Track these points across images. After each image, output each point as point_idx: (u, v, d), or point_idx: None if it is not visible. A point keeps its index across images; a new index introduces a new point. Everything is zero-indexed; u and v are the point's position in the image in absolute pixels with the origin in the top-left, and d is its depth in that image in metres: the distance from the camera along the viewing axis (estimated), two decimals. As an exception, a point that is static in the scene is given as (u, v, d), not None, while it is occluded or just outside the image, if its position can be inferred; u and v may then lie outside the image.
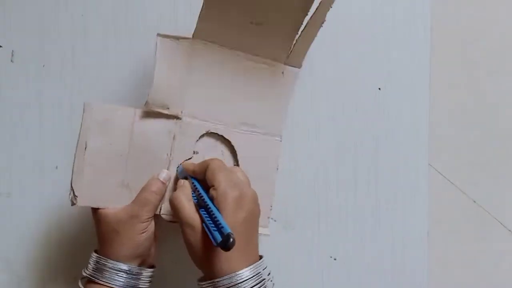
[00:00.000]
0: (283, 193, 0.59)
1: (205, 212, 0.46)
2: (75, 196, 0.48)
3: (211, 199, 0.47)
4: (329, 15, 0.52)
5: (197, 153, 0.53)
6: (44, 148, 0.58)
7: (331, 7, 0.52)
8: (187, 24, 0.58)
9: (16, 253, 0.58)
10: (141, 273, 0.50)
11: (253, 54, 0.54)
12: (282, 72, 0.55)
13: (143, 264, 0.51)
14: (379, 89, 0.59)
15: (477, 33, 0.61)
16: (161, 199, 0.51)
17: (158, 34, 0.50)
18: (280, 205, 0.59)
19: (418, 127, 0.60)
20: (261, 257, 0.48)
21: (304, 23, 0.52)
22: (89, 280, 0.49)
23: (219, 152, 0.54)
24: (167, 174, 0.51)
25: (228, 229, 0.43)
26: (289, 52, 0.54)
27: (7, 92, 0.59)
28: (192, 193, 0.49)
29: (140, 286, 0.50)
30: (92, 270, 0.49)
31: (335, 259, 0.59)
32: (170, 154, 0.52)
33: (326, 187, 0.59)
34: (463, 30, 0.61)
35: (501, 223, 0.61)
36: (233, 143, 0.54)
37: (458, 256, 0.61)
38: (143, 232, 0.49)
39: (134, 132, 0.50)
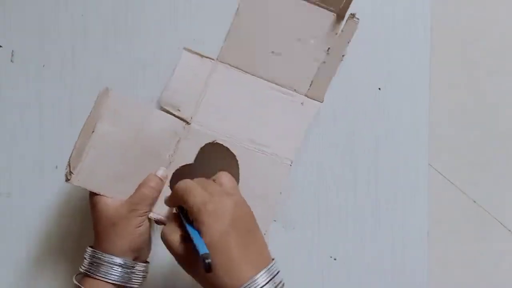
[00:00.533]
0: (284, 193, 0.59)
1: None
2: (70, 172, 0.50)
3: (191, 222, 0.45)
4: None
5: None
6: (44, 148, 0.58)
7: (349, 42, 0.54)
8: (187, 25, 0.58)
9: (16, 253, 0.58)
10: (135, 267, 0.50)
11: (274, 83, 0.55)
12: (302, 103, 0.55)
13: (137, 259, 0.51)
14: (379, 89, 0.60)
15: (477, 33, 0.61)
16: (158, 196, 0.52)
17: (185, 48, 0.55)
18: (280, 205, 0.59)
19: (418, 127, 0.60)
20: (272, 259, 0.45)
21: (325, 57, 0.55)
22: (85, 275, 0.50)
23: (220, 165, 0.53)
24: (164, 171, 0.53)
25: (201, 249, 0.40)
26: (310, 85, 0.55)
27: (7, 92, 0.59)
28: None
29: (134, 280, 0.50)
30: (88, 265, 0.50)
31: (335, 259, 0.59)
32: (172, 156, 0.53)
33: (326, 187, 0.59)
34: (463, 30, 0.61)
35: (501, 223, 0.61)
36: (237, 157, 0.54)
37: (458, 256, 0.61)
38: (139, 226, 0.50)
39: (143, 127, 0.52)
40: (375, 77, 0.59)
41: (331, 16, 0.54)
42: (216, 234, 0.42)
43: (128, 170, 0.51)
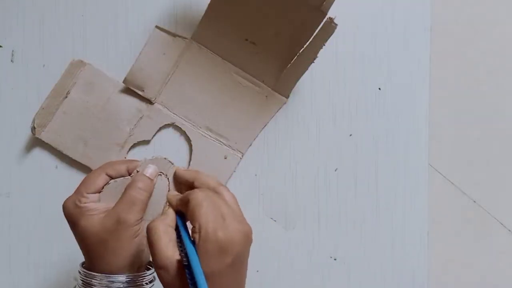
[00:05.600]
0: (283, 193, 0.59)
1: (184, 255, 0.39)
2: (34, 127, 0.56)
3: (193, 242, 0.39)
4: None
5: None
6: (44, 148, 0.58)
7: (324, 45, 0.53)
8: (186, 25, 0.58)
9: (16, 253, 0.58)
10: (141, 278, 0.44)
11: (243, 70, 0.56)
12: (266, 96, 0.56)
13: (139, 268, 0.46)
14: (379, 89, 0.60)
15: (477, 33, 0.61)
16: (149, 197, 0.46)
17: (156, 27, 0.56)
18: (280, 205, 0.59)
19: (418, 127, 0.60)
20: None
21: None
22: None
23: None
24: (154, 169, 0.48)
25: (201, 283, 0.36)
26: (277, 79, 0.55)
27: (7, 92, 0.59)
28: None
29: None
30: (82, 286, 0.43)
31: (335, 259, 0.59)
32: (133, 130, 0.56)
33: (326, 187, 0.59)
34: (463, 30, 0.61)
35: (501, 223, 0.61)
36: (192, 142, 0.56)
37: (458, 256, 0.61)
38: (135, 237, 0.44)
39: (110, 99, 0.56)
40: (375, 77, 0.59)
41: (313, 14, 0.52)
42: (217, 267, 0.38)
43: (92, 136, 0.56)
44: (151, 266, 0.48)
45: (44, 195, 0.58)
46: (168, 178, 0.50)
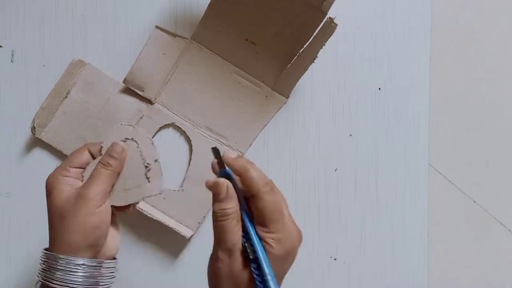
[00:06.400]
0: (283, 193, 0.59)
1: (248, 246, 0.38)
2: (34, 127, 0.56)
3: (262, 242, 0.38)
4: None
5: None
6: (44, 148, 0.58)
7: (324, 45, 0.53)
8: (186, 25, 0.58)
9: (16, 253, 0.58)
10: (101, 266, 0.42)
11: (243, 70, 0.56)
12: (266, 96, 0.56)
13: (98, 256, 0.43)
14: (379, 89, 0.60)
15: (477, 33, 0.61)
16: (114, 173, 0.44)
17: (156, 27, 0.56)
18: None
19: (418, 127, 0.60)
20: None
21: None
22: (42, 285, 0.41)
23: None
24: (121, 145, 0.45)
25: (271, 280, 0.36)
26: (277, 79, 0.55)
27: (7, 92, 0.59)
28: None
29: (102, 282, 0.42)
30: (42, 271, 0.41)
31: (335, 259, 0.59)
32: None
33: (326, 187, 0.59)
34: (463, 30, 0.61)
35: (501, 223, 0.61)
36: (192, 142, 0.57)
37: (458, 256, 0.61)
38: (92, 215, 0.41)
39: (110, 99, 0.56)
40: (375, 77, 0.59)
41: (313, 14, 0.53)
42: (284, 272, 0.38)
43: (92, 136, 0.56)
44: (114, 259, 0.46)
45: (44, 195, 0.58)
46: (136, 141, 0.46)
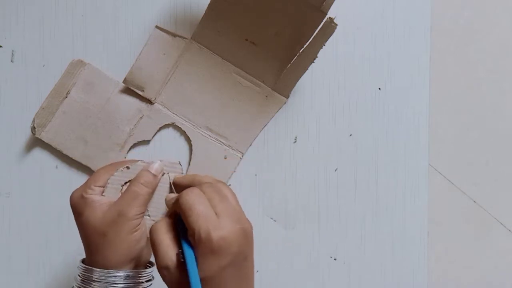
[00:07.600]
0: (283, 193, 0.59)
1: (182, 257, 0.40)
2: (34, 127, 0.56)
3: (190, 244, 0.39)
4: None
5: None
6: (44, 148, 0.58)
7: (324, 45, 0.53)
8: (186, 25, 0.58)
9: (16, 253, 0.58)
10: (140, 275, 0.44)
11: (243, 70, 0.56)
12: (266, 96, 0.56)
13: (138, 266, 0.45)
14: (379, 89, 0.60)
15: (477, 33, 0.61)
16: (152, 193, 0.47)
17: (156, 27, 0.56)
18: (280, 205, 0.59)
19: (418, 127, 0.60)
20: None
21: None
22: None
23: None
24: (160, 165, 0.48)
25: (194, 284, 0.36)
26: (277, 79, 0.55)
27: (7, 92, 0.59)
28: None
29: None
30: (81, 283, 0.43)
31: (335, 259, 0.59)
32: (133, 129, 0.56)
33: (326, 187, 0.59)
34: (463, 30, 0.61)
35: (501, 223, 0.61)
36: (192, 142, 0.57)
37: (458, 256, 0.61)
38: (134, 231, 0.44)
39: (110, 99, 0.56)
40: (375, 77, 0.59)
41: (313, 14, 0.53)
42: (214, 270, 0.37)
43: (92, 136, 0.56)
44: (151, 265, 0.48)
45: (44, 195, 0.58)
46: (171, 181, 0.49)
